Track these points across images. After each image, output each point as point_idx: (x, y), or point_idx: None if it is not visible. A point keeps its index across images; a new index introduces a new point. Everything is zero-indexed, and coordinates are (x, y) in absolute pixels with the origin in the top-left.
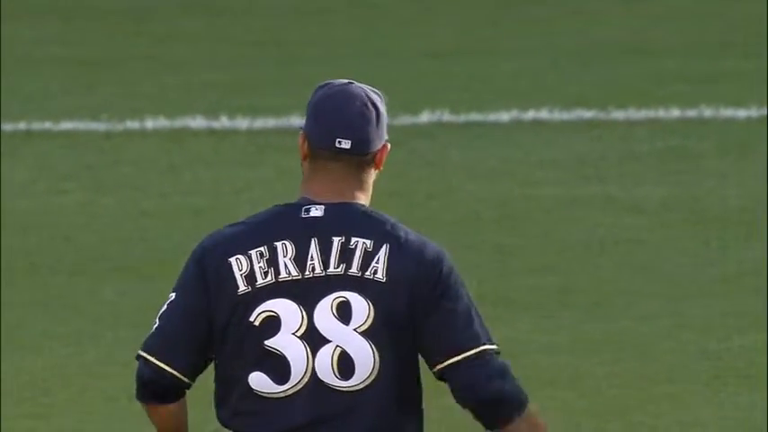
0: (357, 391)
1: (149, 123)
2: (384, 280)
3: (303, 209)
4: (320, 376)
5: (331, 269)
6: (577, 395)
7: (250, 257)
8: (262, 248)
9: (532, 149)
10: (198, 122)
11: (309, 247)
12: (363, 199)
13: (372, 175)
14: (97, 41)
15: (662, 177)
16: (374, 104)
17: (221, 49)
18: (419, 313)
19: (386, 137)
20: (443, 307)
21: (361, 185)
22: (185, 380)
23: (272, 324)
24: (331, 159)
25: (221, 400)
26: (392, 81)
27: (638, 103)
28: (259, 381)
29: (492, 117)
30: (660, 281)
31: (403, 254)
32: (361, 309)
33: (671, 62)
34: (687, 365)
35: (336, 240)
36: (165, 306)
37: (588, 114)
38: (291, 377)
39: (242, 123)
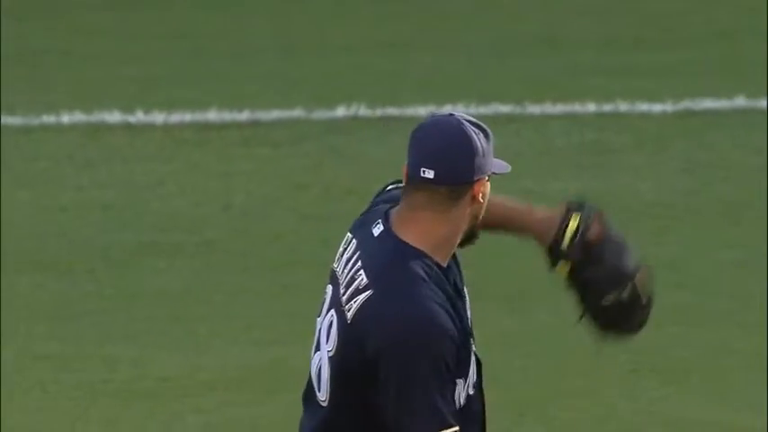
0: (323, 406)
1: (65, 118)
2: (350, 321)
3: (376, 221)
4: (314, 382)
5: (342, 287)
6: (493, 389)
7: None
8: (349, 234)
9: None
10: (114, 117)
11: (353, 255)
12: (443, 231)
13: (464, 208)
14: (12, 36)
15: (578, 171)
16: (467, 137)
17: (137, 43)
18: (370, 381)
19: (485, 172)
20: (386, 393)
21: (444, 217)
22: None
23: (322, 305)
24: (417, 189)
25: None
26: (308, 75)
27: (553, 98)
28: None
29: (409, 111)
30: None
31: (373, 310)
32: (334, 336)
33: (586, 56)
34: (602, 359)
35: (356, 266)
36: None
37: (505, 109)
38: (313, 383)
39: (158, 118)
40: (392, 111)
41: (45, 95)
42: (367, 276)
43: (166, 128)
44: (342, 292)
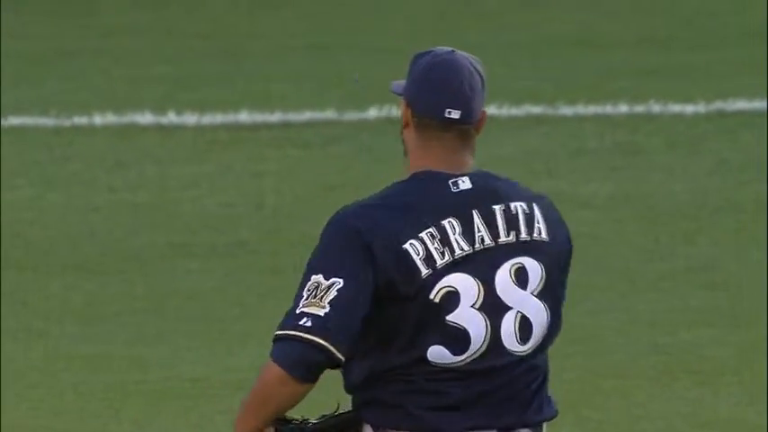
0: (524, 355)
1: (97, 119)
2: (548, 239)
3: (449, 183)
4: (504, 342)
5: (502, 239)
6: None
7: (423, 241)
8: (431, 230)
9: (481, 145)
10: (146, 118)
11: (473, 220)
12: (473, 164)
13: (475, 140)
14: (46, 35)
15: (611, 173)
16: (479, 72)
17: (169, 44)
18: (564, 270)
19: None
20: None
21: (471, 152)
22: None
23: (453, 299)
24: (441, 129)
25: (382, 377)
26: (339, 76)
27: (586, 99)
28: (438, 353)
29: None
30: (609, 276)
31: (551, 215)
32: (536, 271)
33: (619, 57)
34: (636, 360)
35: (498, 209)
36: (335, 292)
37: (537, 110)
38: (470, 348)
39: (190, 119)
40: None
41: (77, 96)
42: (521, 201)
43: (198, 129)
44: (511, 240)
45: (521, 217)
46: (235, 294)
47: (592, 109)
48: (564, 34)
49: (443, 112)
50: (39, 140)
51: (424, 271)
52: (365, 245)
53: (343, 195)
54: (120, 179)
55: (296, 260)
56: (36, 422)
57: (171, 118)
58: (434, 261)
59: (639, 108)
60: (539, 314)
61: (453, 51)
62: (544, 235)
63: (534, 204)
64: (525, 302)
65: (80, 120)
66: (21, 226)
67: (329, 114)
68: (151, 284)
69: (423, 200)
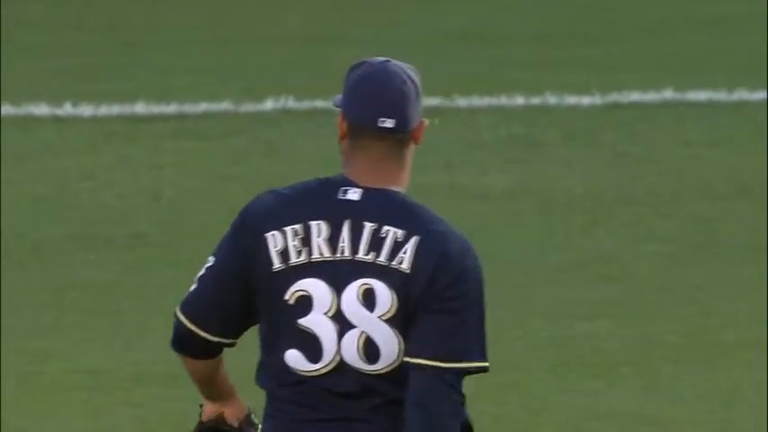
0: (382, 373)
1: None
2: (408, 271)
3: (341, 189)
4: (345, 359)
5: (360, 255)
6: None
7: (285, 234)
8: (297, 226)
9: None
10: (42, 110)
11: (342, 229)
12: (404, 176)
13: (412, 151)
14: None
15: (506, 165)
16: (413, 82)
17: (65, 35)
18: (422, 304)
19: (421, 113)
20: (447, 307)
21: (402, 163)
22: (222, 341)
23: (305, 303)
24: (373, 138)
25: (264, 368)
26: (236, 67)
27: (481, 91)
28: (295, 359)
29: None
30: (505, 268)
31: (430, 246)
32: (385, 297)
33: (515, 49)
34: (532, 353)
35: (368, 227)
36: (204, 269)
37: (433, 102)
38: (324, 356)
39: (86, 110)
40: (320, 104)
41: None
42: (400, 227)
43: (95, 120)
44: (369, 260)
45: (388, 241)
46: (133, 287)
47: (486, 101)
48: (459, 27)
49: (376, 121)
50: None
51: (277, 264)
52: (243, 224)
53: (240, 187)
54: (18, 171)
55: (193, 252)
56: None
57: (67, 109)
58: (288, 257)
59: (535, 100)
60: (385, 339)
61: (387, 61)
62: (405, 265)
63: (416, 237)
64: (371, 324)
65: None
66: None
67: (226, 106)
68: (49, 277)
69: (306, 198)
